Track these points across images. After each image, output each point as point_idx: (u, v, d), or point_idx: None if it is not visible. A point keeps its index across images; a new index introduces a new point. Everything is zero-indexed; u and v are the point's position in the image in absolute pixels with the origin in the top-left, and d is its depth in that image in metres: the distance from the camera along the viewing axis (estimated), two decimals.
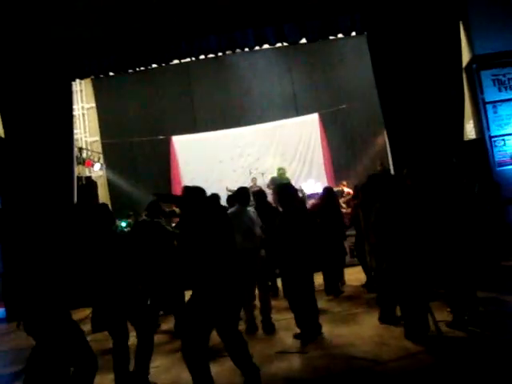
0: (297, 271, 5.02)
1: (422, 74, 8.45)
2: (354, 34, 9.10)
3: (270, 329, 5.57)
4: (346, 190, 10.77)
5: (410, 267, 4.71)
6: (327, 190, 7.44)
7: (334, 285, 6.93)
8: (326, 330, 5.28)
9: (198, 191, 4.00)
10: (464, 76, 8.59)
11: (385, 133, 9.20)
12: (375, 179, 5.25)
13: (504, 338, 4.49)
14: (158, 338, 5.86)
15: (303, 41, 9.18)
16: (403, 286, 4.76)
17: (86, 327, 6.96)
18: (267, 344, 5.15)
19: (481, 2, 8.48)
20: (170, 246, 6.08)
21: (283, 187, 5.46)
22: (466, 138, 8.64)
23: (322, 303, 6.32)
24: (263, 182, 11.95)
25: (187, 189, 4.05)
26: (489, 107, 8.40)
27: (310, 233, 5.17)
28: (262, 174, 12.17)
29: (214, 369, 3.90)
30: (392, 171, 8.89)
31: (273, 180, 11.55)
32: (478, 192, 6.20)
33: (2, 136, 9.41)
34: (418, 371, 4.07)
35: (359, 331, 5.22)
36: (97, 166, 12.70)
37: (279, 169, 11.90)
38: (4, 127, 9.37)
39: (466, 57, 8.59)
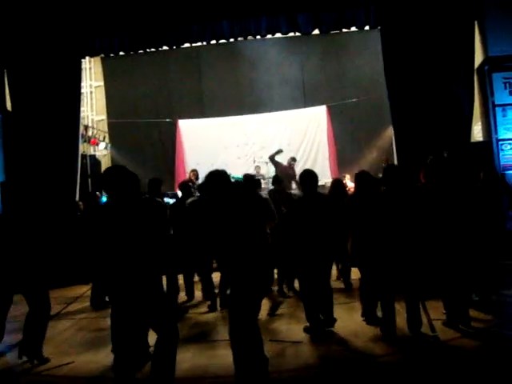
0: (310, 260, 4.97)
1: (433, 72, 8.40)
2: (367, 28, 9.04)
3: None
4: (349, 183, 10.75)
5: (382, 263, 4.78)
6: (335, 183, 7.33)
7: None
8: None
9: (221, 176, 3.91)
10: (475, 77, 8.54)
11: (391, 129, 9.18)
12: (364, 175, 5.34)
13: (497, 338, 4.53)
14: None
15: (316, 32, 9.13)
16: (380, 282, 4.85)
17: (83, 304, 7.09)
18: (271, 333, 5.12)
19: (498, 3, 8.40)
20: (167, 226, 6.06)
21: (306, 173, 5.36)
22: (472, 140, 8.61)
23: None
24: (267, 171, 11.95)
25: (212, 174, 3.93)
26: (498, 110, 8.37)
27: (329, 221, 5.03)
28: (266, 162, 12.14)
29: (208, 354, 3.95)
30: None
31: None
32: (483, 183, 6.16)
33: (10, 110, 9.42)
34: (410, 367, 4.12)
35: (356, 325, 5.25)
36: (102, 145, 12.71)
37: (293, 158, 11.84)
38: (12, 101, 9.37)
39: (478, 58, 8.53)
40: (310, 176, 5.20)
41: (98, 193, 8.00)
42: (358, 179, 5.49)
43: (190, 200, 6.47)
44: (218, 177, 3.90)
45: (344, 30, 9.33)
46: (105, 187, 3.75)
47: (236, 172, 10.18)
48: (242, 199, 3.94)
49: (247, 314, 3.69)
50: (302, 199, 5.26)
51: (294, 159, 11.58)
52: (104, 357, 4.67)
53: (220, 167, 4.10)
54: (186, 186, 7.04)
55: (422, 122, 8.35)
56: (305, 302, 5.10)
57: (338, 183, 7.23)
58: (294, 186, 10.71)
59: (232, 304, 3.77)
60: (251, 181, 6.76)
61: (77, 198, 9.20)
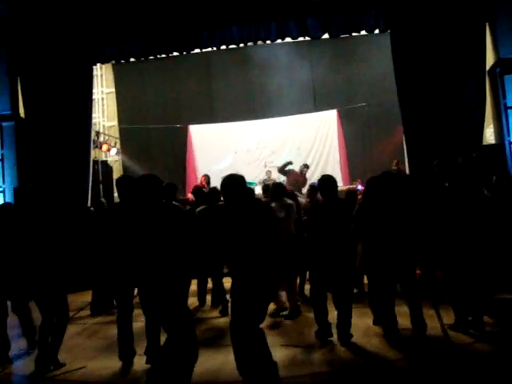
0: (330, 267, 4.93)
1: (443, 75, 8.34)
2: (377, 31, 9.00)
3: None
4: (360, 187, 10.71)
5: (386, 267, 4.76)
6: (349, 194, 7.32)
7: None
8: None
9: (239, 182, 3.99)
10: (487, 79, 8.47)
11: (402, 132, 9.12)
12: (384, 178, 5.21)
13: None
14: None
15: (325, 36, 9.13)
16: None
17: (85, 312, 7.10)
18: (283, 338, 5.14)
19: (509, 4, 8.32)
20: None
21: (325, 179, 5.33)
22: (485, 143, 8.53)
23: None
24: (277, 176, 11.94)
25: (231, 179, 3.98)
26: (510, 112, 8.27)
27: (344, 227, 4.98)
28: (277, 167, 12.14)
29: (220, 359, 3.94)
30: (407, 171, 8.82)
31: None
32: (495, 184, 6.09)
33: (23, 116, 9.53)
34: (423, 372, 4.08)
35: (368, 329, 5.22)
36: (113, 151, 12.79)
37: (305, 165, 11.78)
38: (25, 108, 9.48)
39: (490, 60, 8.46)
40: (329, 182, 5.18)
41: (103, 199, 8.04)
42: (367, 186, 5.45)
43: (199, 209, 6.44)
44: (236, 182, 3.95)
45: (354, 34, 9.32)
46: (137, 194, 3.91)
47: (247, 177, 10.18)
48: (254, 206, 4.02)
49: (252, 320, 3.67)
50: (322, 205, 5.26)
51: (306, 166, 11.48)
52: (115, 362, 4.69)
53: (231, 172, 4.11)
54: (199, 190, 7.05)
55: (433, 125, 8.29)
56: (315, 307, 5.05)
57: (351, 194, 7.20)
58: (303, 191, 10.66)
59: (236, 310, 3.74)
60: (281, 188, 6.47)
61: (88, 203, 9.26)
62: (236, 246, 3.79)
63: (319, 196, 5.75)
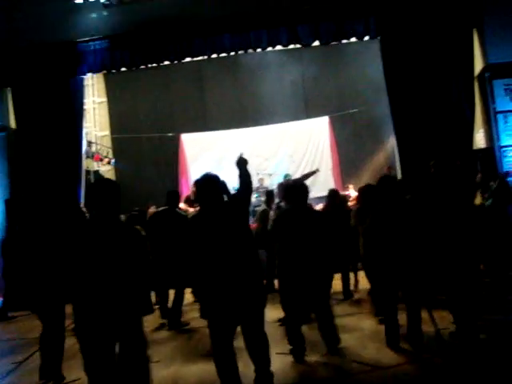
0: (297, 278, 4.57)
1: (433, 80, 8.44)
2: (367, 38, 9.08)
3: None
4: (353, 193, 10.74)
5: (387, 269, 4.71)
6: (331, 193, 7.30)
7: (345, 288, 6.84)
8: None
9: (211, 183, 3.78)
10: (476, 84, 8.56)
11: (393, 138, 9.19)
12: (382, 184, 5.20)
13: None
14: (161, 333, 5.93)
15: (316, 43, 9.19)
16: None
17: None
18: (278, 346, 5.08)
19: (497, 10, 8.42)
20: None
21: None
22: (475, 147, 8.60)
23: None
24: (270, 184, 11.94)
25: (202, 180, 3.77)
26: (500, 117, 8.36)
27: (319, 237, 4.67)
28: (270, 175, 12.17)
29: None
30: (399, 176, 8.87)
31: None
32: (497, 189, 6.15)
33: (14, 127, 9.50)
34: (418, 378, 4.07)
35: (360, 335, 5.21)
36: (112, 162, 12.82)
37: (286, 175, 11.80)
38: (16, 118, 9.46)
39: (478, 65, 8.56)
40: (294, 188, 4.91)
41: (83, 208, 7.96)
42: (363, 193, 5.46)
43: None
44: (207, 183, 3.72)
45: (344, 41, 9.39)
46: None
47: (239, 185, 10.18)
48: (226, 211, 3.69)
49: (218, 336, 3.59)
50: (287, 213, 4.89)
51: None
52: None
53: (223, 180, 4.01)
54: (189, 200, 7.06)
55: (424, 130, 8.37)
56: (287, 322, 4.74)
57: (332, 195, 7.18)
58: None
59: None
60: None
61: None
62: (198, 254, 3.59)
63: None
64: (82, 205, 8.67)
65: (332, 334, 4.66)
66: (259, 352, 3.72)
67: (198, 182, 3.79)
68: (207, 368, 4.31)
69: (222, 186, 3.78)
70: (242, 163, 3.98)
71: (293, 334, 4.60)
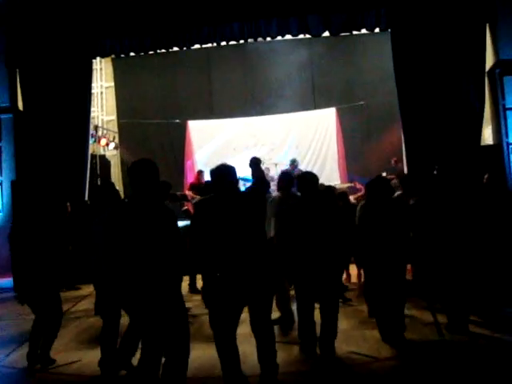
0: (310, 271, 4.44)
1: (443, 74, 8.37)
2: (377, 30, 9.03)
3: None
4: (358, 185, 10.70)
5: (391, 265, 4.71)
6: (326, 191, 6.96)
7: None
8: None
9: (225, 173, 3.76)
10: (486, 80, 8.49)
11: (401, 131, 9.14)
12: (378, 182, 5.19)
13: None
14: None
15: (326, 33, 9.13)
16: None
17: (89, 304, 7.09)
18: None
19: (510, 6, 8.34)
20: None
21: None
22: (483, 143, 8.56)
23: None
24: (276, 173, 11.92)
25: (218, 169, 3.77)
26: (509, 113, 8.30)
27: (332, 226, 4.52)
28: (276, 164, 12.13)
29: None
30: (405, 169, 8.85)
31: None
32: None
33: (21, 109, 9.51)
34: (415, 370, 4.10)
35: (360, 327, 5.24)
36: (111, 146, 12.77)
37: (293, 161, 11.80)
38: (23, 101, 9.46)
39: (489, 60, 8.48)
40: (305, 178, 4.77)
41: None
42: (370, 187, 5.44)
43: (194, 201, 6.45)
44: (221, 172, 3.72)
45: (354, 32, 9.32)
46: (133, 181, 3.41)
47: (246, 173, 10.17)
48: (241, 198, 3.74)
49: (221, 325, 3.59)
50: (299, 203, 4.80)
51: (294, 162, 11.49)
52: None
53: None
54: (194, 187, 7.07)
55: (432, 124, 8.32)
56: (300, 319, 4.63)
57: (328, 190, 7.07)
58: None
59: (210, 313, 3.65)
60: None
61: (86, 197, 9.26)
62: (213, 241, 3.56)
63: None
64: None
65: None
66: (265, 341, 3.71)
67: (214, 172, 3.77)
68: (207, 353, 4.36)
69: (236, 177, 3.79)
70: (255, 162, 4.01)
71: (305, 326, 4.55)
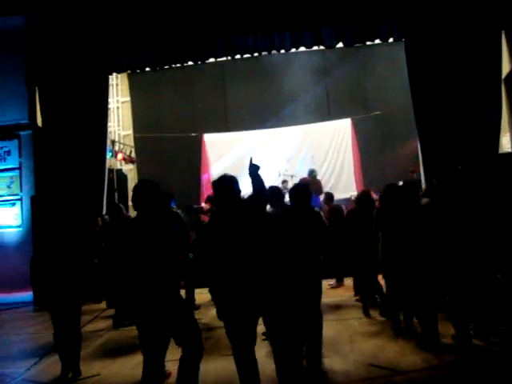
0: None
1: (459, 82, 8.30)
2: (391, 40, 9.01)
3: None
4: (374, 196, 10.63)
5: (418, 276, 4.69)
6: (362, 195, 7.18)
7: (369, 293, 6.44)
8: (346, 335, 5.25)
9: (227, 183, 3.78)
10: (503, 87, 8.40)
11: (417, 140, 9.07)
12: (391, 190, 5.17)
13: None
14: None
15: (340, 45, 9.14)
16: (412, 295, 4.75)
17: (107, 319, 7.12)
18: None
19: None
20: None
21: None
22: (501, 151, 8.45)
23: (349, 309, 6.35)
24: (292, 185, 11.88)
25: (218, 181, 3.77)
26: None
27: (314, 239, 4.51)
28: (292, 176, 12.12)
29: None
30: (423, 179, 8.76)
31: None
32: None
33: (40, 125, 9.66)
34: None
35: (379, 340, 5.17)
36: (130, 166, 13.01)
37: (312, 171, 11.72)
38: (42, 117, 9.62)
39: (506, 67, 8.41)
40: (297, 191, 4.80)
41: (121, 205, 8.00)
42: (386, 193, 5.41)
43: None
44: (221, 184, 3.71)
45: (368, 43, 9.33)
46: (134, 202, 3.68)
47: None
48: (244, 211, 3.67)
49: (236, 337, 3.57)
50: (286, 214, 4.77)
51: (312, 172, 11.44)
52: (128, 369, 4.71)
53: (245, 181, 4.01)
54: (211, 199, 7.10)
55: (449, 133, 8.24)
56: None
57: (364, 196, 7.08)
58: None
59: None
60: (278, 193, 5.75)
61: (103, 211, 9.34)
62: (216, 255, 3.57)
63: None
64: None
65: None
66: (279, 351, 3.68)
67: (214, 183, 3.80)
68: (225, 366, 4.34)
69: (238, 188, 3.77)
70: (253, 170, 3.95)
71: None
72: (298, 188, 4.85)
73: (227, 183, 3.73)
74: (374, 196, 10.09)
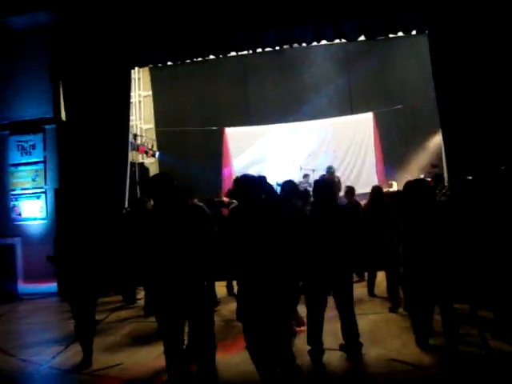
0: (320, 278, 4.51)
1: (485, 77, 8.10)
2: (414, 32, 8.87)
3: None
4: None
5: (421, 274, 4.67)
6: (374, 191, 7.19)
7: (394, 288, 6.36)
8: (367, 330, 5.24)
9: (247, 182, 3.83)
10: None
11: (439, 135, 8.94)
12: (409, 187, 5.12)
13: None
14: None
15: (362, 38, 9.05)
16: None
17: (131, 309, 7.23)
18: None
19: None
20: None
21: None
22: None
23: (365, 304, 6.33)
24: (313, 179, 11.85)
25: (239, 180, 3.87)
26: None
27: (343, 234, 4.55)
28: (313, 170, 12.08)
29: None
30: (446, 174, 8.64)
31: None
32: None
33: (64, 119, 9.80)
34: (460, 379, 4.00)
35: (400, 334, 5.15)
36: (156, 154, 13.16)
37: (329, 168, 11.69)
38: (66, 111, 9.75)
39: None
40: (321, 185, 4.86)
41: (145, 198, 8.05)
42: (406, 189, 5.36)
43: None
44: (243, 182, 3.79)
45: (390, 36, 9.21)
46: (151, 193, 3.83)
47: (282, 180, 10.15)
48: (266, 209, 3.77)
49: (254, 338, 3.65)
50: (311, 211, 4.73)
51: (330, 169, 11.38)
52: (152, 359, 4.78)
53: (266, 174, 4.08)
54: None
55: (474, 130, 8.02)
56: (309, 324, 4.61)
57: (376, 192, 7.06)
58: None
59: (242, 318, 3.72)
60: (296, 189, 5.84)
61: (126, 204, 9.45)
62: (237, 249, 3.66)
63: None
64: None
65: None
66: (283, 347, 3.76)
67: (235, 182, 3.91)
68: (245, 360, 4.35)
69: (256, 186, 3.82)
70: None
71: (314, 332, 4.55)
72: (322, 185, 4.85)
73: (247, 183, 3.80)
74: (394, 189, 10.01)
